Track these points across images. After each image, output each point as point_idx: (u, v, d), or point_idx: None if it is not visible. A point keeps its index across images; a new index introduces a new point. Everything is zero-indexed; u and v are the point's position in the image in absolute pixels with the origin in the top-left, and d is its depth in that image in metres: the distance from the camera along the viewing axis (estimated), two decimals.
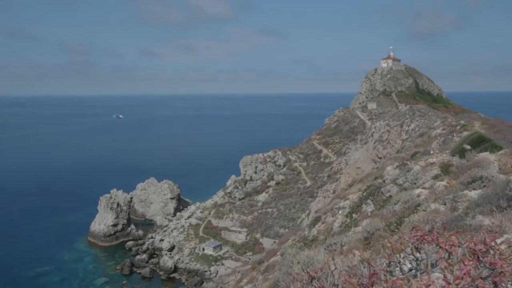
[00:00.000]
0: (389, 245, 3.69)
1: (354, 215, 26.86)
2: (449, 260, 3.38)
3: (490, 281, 3.18)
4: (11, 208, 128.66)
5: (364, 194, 28.29)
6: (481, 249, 3.39)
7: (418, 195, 19.38)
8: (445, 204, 14.63)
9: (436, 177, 22.89)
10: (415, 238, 3.58)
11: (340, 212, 29.06)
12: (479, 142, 26.04)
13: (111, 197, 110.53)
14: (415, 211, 15.54)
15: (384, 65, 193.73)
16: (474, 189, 15.41)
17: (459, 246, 3.48)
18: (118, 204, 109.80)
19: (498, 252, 3.49)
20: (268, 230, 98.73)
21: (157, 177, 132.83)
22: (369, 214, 24.91)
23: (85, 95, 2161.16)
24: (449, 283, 3.10)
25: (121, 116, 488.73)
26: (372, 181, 31.32)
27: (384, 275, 3.37)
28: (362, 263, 3.63)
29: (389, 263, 3.51)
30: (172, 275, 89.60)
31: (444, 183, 19.34)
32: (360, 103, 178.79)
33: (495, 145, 24.68)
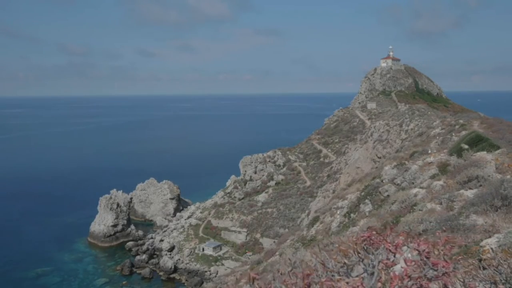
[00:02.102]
0: (337, 245, 3.72)
1: (352, 215, 26.89)
2: (393, 261, 3.39)
3: (440, 282, 3.20)
4: (11, 209, 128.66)
5: (362, 194, 28.32)
6: (424, 250, 3.39)
7: (415, 195, 19.40)
8: (441, 203, 14.66)
9: (433, 177, 22.91)
10: (362, 238, 3.59)
11: (338, 212, 29.09)
12: (477, 142, 26.06)
13: (111, 198, 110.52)
14: (411, 210, 15.57)
15: (384, 64, 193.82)
16: (470, 188, 15.43)
17: (408, 247, 3.49)
18: (118, 205, 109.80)
19: (442, 252, 3.51)
20: (268, 230, 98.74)
21: (157, 178, 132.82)
22: (367, 213, 24.94)
23: (84, 96, 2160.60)
24: (383, 284, 3.12)
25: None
26: (370, 181, 31.34)
27: (322, 276, 3.39)
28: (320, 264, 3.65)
29: (343, 264, 3.53)
30: (172, 276, 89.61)
31: (441, 182, 19.36)
32: (359, 102, 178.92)
33: (492, 144, 24.70)
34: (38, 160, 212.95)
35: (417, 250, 3.41)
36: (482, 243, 7.52)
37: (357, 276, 3.39)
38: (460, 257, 3.53)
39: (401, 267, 3.29)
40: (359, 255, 3.51)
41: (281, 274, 3.49)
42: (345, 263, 3.48)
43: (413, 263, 3.25)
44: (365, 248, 3.53)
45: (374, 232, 3.70)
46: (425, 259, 3.32)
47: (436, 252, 3.46)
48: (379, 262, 3.39)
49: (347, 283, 3.21)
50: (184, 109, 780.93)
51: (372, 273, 3.35)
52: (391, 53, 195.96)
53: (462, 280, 3.67)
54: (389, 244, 3.47)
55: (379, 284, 3.17)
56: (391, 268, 3.31)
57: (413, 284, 3.11)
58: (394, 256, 3.37)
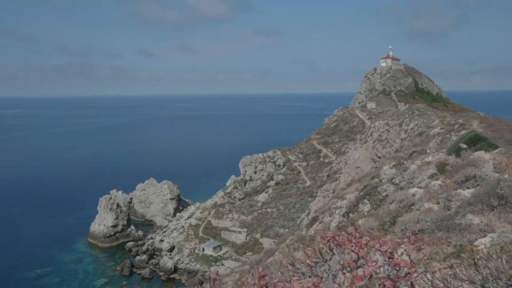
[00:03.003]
0: (302, 246, 3.74)
1: (351, 214, 26.90)
2: (356, 262, 3.38)
3: (406, 282, 3.18)
4: (11, 209, 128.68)
5: (361, 193, 28.33)
6: (386, 251, 3.38)
7: (413, 195, 19.41)
8: (438, 203, 14.67)
9: (432, 176, 22.92)
10: (327, 239, 3.58)
11: (337, 212, 29.10)
12: (475, 141, 26.07)
13: (110, 198, 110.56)
14: (409, 210, 15.59)
15: (384, 64, 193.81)
16: (467, 188, 15.44)
17: (372, 247, 3.48)
18: (118, 205, 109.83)
19: (405, 253, 3.51)
20: (268, 230, 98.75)
21: (157, 178, 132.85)
22: (365, 213, 24.94)
23: (84, 96, 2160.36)
24: (339, 285, 3.11)
25: None
26: (369, 180, 31.35)
27: (287, 276, 3.40)
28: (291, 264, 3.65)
29: (307, 265, 3.51)
30: (172, 276, 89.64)
31: (439, 182, 19.37)
32: (359, 102, 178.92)
33: (490, 143, 24.70)
34: (38, 161, 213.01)
35: (379, 250, 3.40)
36: (476, 243, 7.54)
37: (316, 276, 3.38)
38: (425, 258, 3.51)
39: (363, 267, 3.28)
40: (322, 255, 3.49)
41: (252, 274, 3.50)
42: (308, 263, 3.47)
43: (374, 263, 3.24)
44: (331, 248, 3.52)
45: (343, 232, 3.70)
46: (387, 259, 3.30)
47: (399, 253, 3.45)
48: (341, 262, 3.38)
49: (300, 284, 3.20)
50: (184, 109, 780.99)
51: (335, 274, 3.34)
52: (390, 53, 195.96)
53: (430, 280, 3.67)
54: (352, 245, 3.46)
55: (335, 285, 3.16)
56: (355, 269, 3.30)
57: (379, 285, 3.09)
58: (358, 257, 3.35)
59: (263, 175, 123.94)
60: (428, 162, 26.63)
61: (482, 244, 7.23)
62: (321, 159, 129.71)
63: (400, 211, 16.65)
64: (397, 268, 3.24)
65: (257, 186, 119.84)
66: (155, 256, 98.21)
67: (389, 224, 14.45)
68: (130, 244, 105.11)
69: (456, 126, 53.49)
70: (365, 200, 26.62)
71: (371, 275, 3.07)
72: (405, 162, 29.38)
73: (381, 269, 3.27)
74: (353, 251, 3.35)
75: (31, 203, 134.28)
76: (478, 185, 15.12)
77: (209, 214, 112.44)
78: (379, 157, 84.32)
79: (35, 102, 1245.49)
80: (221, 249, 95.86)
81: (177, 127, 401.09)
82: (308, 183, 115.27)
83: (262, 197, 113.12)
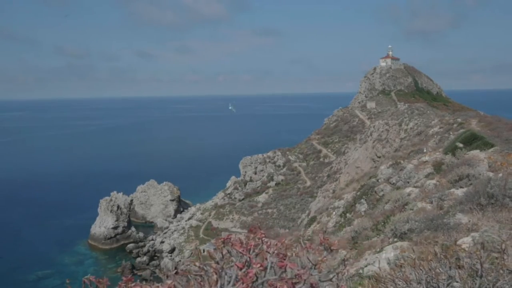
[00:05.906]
0: (198, 249, 3.78)
1: (348, 214, 26.93)
2: (246, 263, 3.37)
3: (307, 284, 3.17)
4: (11, 212, 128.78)
5: (358, 193, 28.36)
6: (274, 252, 3.38)
7: (409, 194, 19.45)
8: (431, 202, 14.70)
9: (428, 176, 22.95)
10: (221, 241, 3.58)
11: (334, 212, 29.12)
12: (472, 140, 26.09)
13: (111, 200, 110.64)
14: (403, 210, 15.62)
15: (383, 64, 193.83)
16: (460, 187, 15.47)
17: (261, 249, 3.48)
18: (118, 207, 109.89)
19: (295, 253, 3.50)
20: (268, 231, 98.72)
21: (157, 179, 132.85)
22: (362, 213, 24.98)
23: (83, 98, 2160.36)
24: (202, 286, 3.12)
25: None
26: (366, 180, 31.38)
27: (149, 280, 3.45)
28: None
29: (199, 267, 3.53)
30: None
31: (434, 181, 19.41)
32: (359, 102, 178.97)
33: (486, 142, 24.71)
34: (37, 163, 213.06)
35: (267, 252, 3.40)
36: (459, 242, 7.59)
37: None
38: (325, 259, 3.50)
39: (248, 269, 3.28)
40: (214, 258, 3.51)
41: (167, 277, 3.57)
42: (199, 266, 3.49)
43: (258, 265, 3.22)
44: (229, 250, 3.53)
45: (250, 234, 3.70)
46: (275, 261, 3.29)
47: (289, 254, 3.45)
48: (213, 265, 3.39)
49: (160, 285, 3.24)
50: (184, 110, 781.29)
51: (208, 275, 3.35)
52: (390, 53, 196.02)
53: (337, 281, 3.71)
54: (239, 246, 3.46)
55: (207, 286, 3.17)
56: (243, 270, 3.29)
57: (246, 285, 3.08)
58: (250, 258, 3.35)
59: (263, 176, 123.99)
60: (425, 162, 26.67)
61: (464, 243, 7.27)
62: (321, 159, 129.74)
63: (395, 210, 16.69)
64: (284, 270, 3.23)
65: (257, 187, 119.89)
66: (155, 257, 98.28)
67: (382, 224, 14.48)
68: (130, 245, 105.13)
69: (455, 125, 53.54)
70: (362, 200, 26.65)
71: (257, 277, 3.04)
72: (402, 161, 29.41)
73: (269, 271, 3.26)
74: (241, 252, 3.35)
75: (31, 205, 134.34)
76: (471, 184, 15.15)
77: (210, 215, 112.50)
78: (379, 157, 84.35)
79: (35, 104, 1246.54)
80: None
81: (177, 128, 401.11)
82: (308, 183, 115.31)
83: (262, 198, 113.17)
